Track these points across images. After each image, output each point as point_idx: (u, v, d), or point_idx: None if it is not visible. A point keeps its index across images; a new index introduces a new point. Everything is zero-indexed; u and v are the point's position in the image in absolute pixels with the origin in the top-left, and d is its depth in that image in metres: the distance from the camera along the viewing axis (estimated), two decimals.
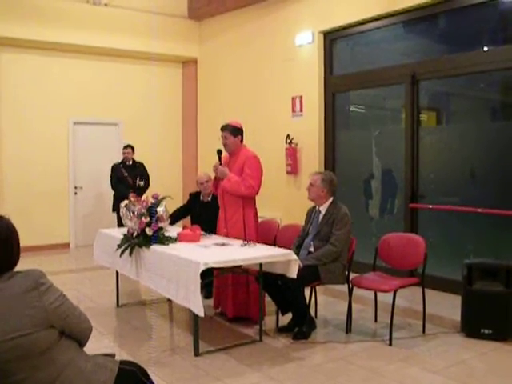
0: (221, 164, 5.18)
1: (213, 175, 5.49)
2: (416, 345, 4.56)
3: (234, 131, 5.17)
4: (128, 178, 8.17)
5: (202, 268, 3.97)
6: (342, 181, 6.81)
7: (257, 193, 5.16)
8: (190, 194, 6.64)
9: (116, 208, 8.16)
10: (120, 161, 8.40)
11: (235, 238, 5.10)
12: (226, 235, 5.23)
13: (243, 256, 4.38)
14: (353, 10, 7.07)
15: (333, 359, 4.25)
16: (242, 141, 5.25)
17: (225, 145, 5.22)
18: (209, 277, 4.59)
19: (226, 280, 5.15)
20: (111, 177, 8.28)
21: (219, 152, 5.20)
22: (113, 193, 8.34)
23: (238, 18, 9.11)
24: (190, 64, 10.36)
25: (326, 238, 4.76)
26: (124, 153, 8.35)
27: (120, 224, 7.80)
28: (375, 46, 7.36)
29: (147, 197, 4.93)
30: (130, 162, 8.33)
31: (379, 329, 5.04)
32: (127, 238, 4.95)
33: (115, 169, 8.29)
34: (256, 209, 5.33)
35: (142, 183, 8.20)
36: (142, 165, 8.45)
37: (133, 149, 8.38)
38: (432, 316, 5.07)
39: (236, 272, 4.85)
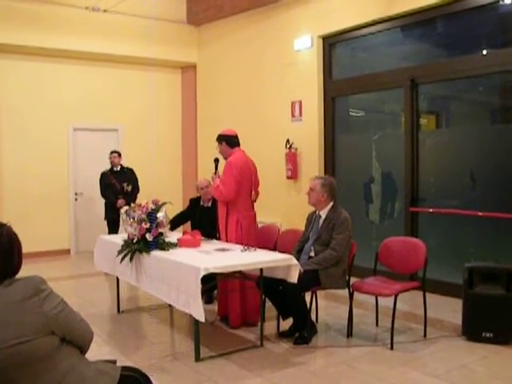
0: (216, 172, 5.29)
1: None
2: (417, 349, 4.55)
3: (218, 139, 5.33)
4: (116, 184, 8.07)
5: (203, 273, 3.97)
6: (342, 185, 6.82)
7: (226, 198, 5.13)
8: (190, 200, 6.65)
9: (106, 216, 8.16)
10: (109, 168, 8.25)
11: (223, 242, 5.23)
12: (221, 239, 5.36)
13: (243, 261, 4.37)
14: (351, 14, 7.09)
15: (334, 364, 4.24)
16: (230, 146, 5.28)
17: (220, 153, 5.35)
18: (209, 282, 4.58)
19: (227, 286, 5.19)
20: (100, 184, 8.20)
21: (216, 160, 5.35)
22: (104, 200, 8.28)
23: (237, 23, 9.13)
24: (189, 69, 10.38)
25: (327, 243, 4.75)
26: (110, 157, 8.21)
27: (110, 231, 7.82)
28: (374, 50, 7.38)
29: (147, 202, 4.92)
30: (118, 168, 8.21)
31: (380, 333, 5.03)
32: (127, 244, 4.95)
33: (103, 176, 8.19)
34: (244, 215, 5.24)
35: (129, 188, 8.08)
36: (130, 170, 8.32)
37: (119, 154, 8.28)
38: (433, 320, 5.06)
39: (236, 277, 4.84)
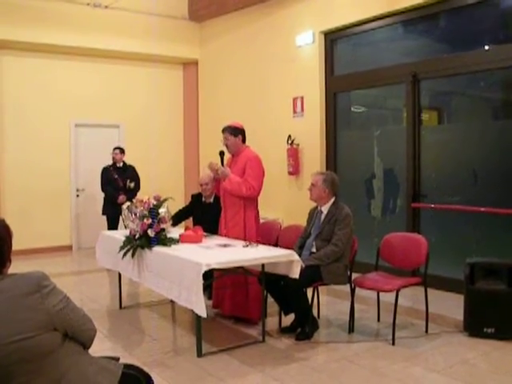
0: (222, 165, 5.19)
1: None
2: (419, 344, 4.55)
3: (233, 131, 5.19)
4: (118, 180, 8.07)
5: (204, 269, 3.98)
6: (344, 181, 6.80)
7: (258, 194, 5.15)
8: (192, 195, 6.64)
9: (105, 211, 8.17)
10: (111, 163, 8.26)
11: (235, 239, 5.11)
12: (226, 236, 5.24)
13: (245, 257, 4.38)
14: (353, 9, 7.08)
15: (336, 359, 4.24)
16: (243, 141, 5.26)
17: (226, 146, 5.24)
18: (211, 278, 4.59)
19: (225, 280, 5.15)
20: (101, 179, 8.20)
21: (221, 153, 5.23)
22: (103, 195, 8.28)
23: (239, 20, 9.12)
24: (190, 65, 10.37)
25: (328, 239, 4.75)
26: (112, 153, 8.21)
27: (110, 227, 7.83)
28: (376, 45, 7.36)
29: (149, 198, 4.93)
30: (121, 164, 8.21)
31: (382, 329, 5.03)
32: (129, 240, 4.95)
33: (105, 171, 8.20)
34: (257, 210, 5.31)
35: (132, 185, 8.10)
36: (132, 167, 8.34)
37: (122, 151, 8.27)
38: (435, 315, 5.06)
39: (238, 273, 4.84)
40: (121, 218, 7.78)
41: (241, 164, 5.14)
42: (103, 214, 8.19)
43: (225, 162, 5.24)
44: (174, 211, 5.84)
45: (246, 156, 5.16)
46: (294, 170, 7.92)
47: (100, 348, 4.00)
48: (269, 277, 4.62)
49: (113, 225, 7.94)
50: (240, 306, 5.15)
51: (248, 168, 5.08)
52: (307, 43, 7.78)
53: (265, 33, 8.56)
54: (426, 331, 4.85)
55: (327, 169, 7.40)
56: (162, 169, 9.88)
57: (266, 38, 8.55)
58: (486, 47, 5.96)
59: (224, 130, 5.24)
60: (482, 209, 5.66)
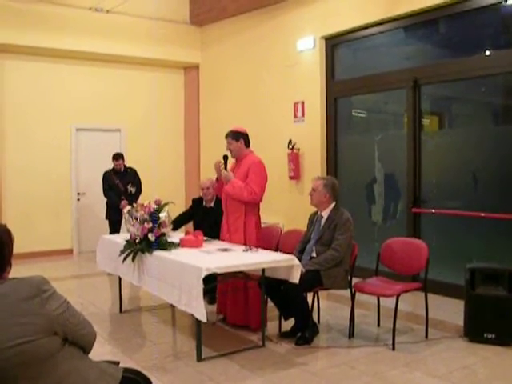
0: (226, 169, 5.18)
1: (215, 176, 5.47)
2: (419, 350, 4.55)
3: (235, 136, 5.20)
4: (119, 184, 8.04)
5: (205, 273, 3.97)
6: (344, 186, 6.82)
7: (260, 199, 5.13)
8: (193, 200, 6.65)
9: (108, 216, 8.17)
10: (111, 168, 8.19)
11: (237, 244, 5.09)
12: (229, 241, 5.22)
13: (246, 261, 4.37)
14: (354, 15, 7.09)
15: (335, 364, 4.24)
16: (247, 146, 5.25)
17: (230, 151, 5.24)
18: (212, 282, 4.59)
19: (227, 286, 5.15)
20: (103, 184, 8.16)
21: (225, 157, 5.20)
22: (106, 200, 8.24)
23: (240, 24, 9.14)
24: (191, 70, 10.39)
25: (329, 243, 4.76)
26: (113, 163, 8.10)
27: (112, 231, 7.83)
28: (377, 50, 7.37)
29: (149, 202, 4.93)
30: (122, 169, 8.16)
31: (382, 334, 5.03)
32: (130, 244, 4.96)
33: (106, 176, 8.15)
34: (259, 216, 5.29)
35: (133, 190, 8.06)
36: (133, 170, 8.28)
37: (122, 157, 8.18)
38: (435, 321, 5.06)
39: (239, 277, 4.84)
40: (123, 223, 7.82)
41: (244, 168, 5.13)
42: (107, 218, 8.20)
43: (228, 167, 5.24)
44: (174, 215, 5.84)
45: (249, 160, 5.15)
46: (295, 175, 7.92)
47: (100, 352, 4.01)
48: (269, 281, 4.62)
49: (115, 229, 7.94)
50: (241, 313, 5.13)
51: (251, 173, 5.06)
52: (308, 48, 7.80)
53: (266, 37, 8.58)
54: (426, 336, 4.84)
55: (328, 173, 7.40)
56: (163, 173, 9.88)
57: (267, 42, 8.56)
58: (487, 53, 5.97)
59: (227, 136, 5.24)
60: (483, 214, 5.66)
